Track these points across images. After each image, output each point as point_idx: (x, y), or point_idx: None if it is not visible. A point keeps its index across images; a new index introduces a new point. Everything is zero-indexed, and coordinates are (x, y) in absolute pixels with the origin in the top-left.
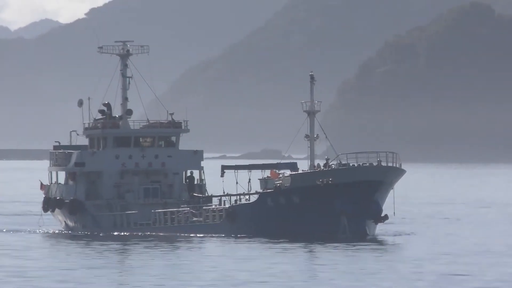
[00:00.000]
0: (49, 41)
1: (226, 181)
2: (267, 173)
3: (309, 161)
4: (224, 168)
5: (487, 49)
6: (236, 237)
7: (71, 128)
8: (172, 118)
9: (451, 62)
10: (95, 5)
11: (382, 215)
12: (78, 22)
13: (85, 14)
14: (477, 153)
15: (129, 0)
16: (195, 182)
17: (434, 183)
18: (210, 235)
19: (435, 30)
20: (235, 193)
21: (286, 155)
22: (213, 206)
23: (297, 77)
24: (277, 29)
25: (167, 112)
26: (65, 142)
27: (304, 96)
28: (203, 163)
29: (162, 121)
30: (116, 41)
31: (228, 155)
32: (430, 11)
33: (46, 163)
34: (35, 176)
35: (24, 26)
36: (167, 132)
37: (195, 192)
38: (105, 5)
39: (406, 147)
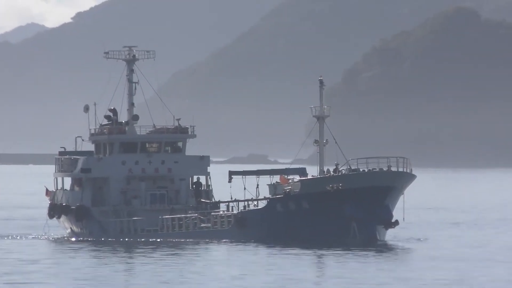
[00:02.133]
0: (35, 45)
1: (232, 187)
2: (275, 178)
3: (318, 166)
4: (231, 173)
5: (473, 54)
6: (245, 243)
7: (57, 132)
8: (178, 124)
9: (437, 66)
10: (81, 9)
11: (393, 220)
12: (65, 26)
13: (72, 18)
14: (463, 157)
15: (115, 5)
16: (202, 188)
17: (434, 187)
18: (218, 241)
19: (421, 35)
20: (243, 199)
21: (273, 159)
22: (221, 212)
23: (283, 82)
24: (263, 34)
25: (174, 117)
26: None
27: (291, 100)
28: (209, 169)
29: (169, 127)
30: (124, 46)
31: (214, 159)
32: (417, 16)
33: (45, 168)
34: (37, 181)
35: (10, 30)
36: (173, 138)
37: (202, 197)
38: (91, 9)
39: (392, 151)
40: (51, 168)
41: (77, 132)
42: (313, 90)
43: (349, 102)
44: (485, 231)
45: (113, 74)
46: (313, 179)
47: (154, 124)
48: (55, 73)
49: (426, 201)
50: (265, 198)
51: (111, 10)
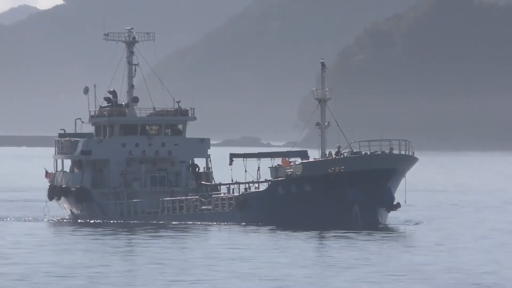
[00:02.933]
0: (27, 27)
1: (233, 169)
2: (276, 161)
3: (320, 149)
4: (232, 156)
5: (465, 36)
6: (246, 226)
7: (51, 114)
8: (179, 106)
9: (429, 49)
10: None
11: (395, 203)
12: (57, 8)
13: (64, 0)
14: (457, 141)
15: None
16: (198, 170)
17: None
18: (219, 223)
19: (413, 17)
20: (244, 181)
21: (265, 142)
22: (222, 194)
23: (275, 64)
24: (254, 17)
25: (174, 99)
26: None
27: (283, 83)
28: (209, 151)
29: (169, 109)
30: (126, 28)
31: None
32: None
33: (40, 150)
34: (36, 163)
35: (2, 12)
36: (174, 120)
37: (202, 180)
38: None
39: (383, 134)
40: (44, 151)
41: (71, 114)
42: (305, 72)
43: (341, 84)
44: (485, 213)
45: (107, 56)
46: (315, 162)
47: (154, 107)
48: (48, 54)
49: (426, 183)
50: (266, 181)
51: None
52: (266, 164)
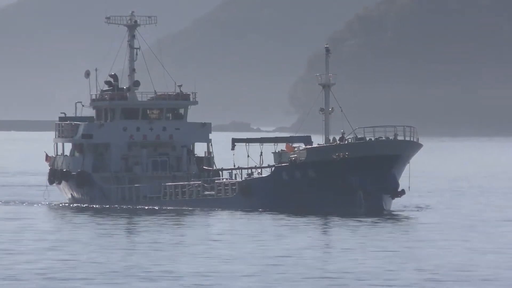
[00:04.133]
0: (21, 9)
1: (235, 155)
2: (279, 146)
3: (323, 135)
4: (234, 141)
5: (456, 23)
6: (249, 211)
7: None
8: (180, 90)
9: (420, 34)
10: None
11: (399, 189)
12: None
13: None
14: (447, 126)
15: None
16: (193, 156)
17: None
18: (222, 209)
19: (404, 3)
20: (247, 167)
21: (255, 127)
22: (223, 180)
23: (267, 50)
24: (246, 2)
25: (175, 83)
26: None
27: (273, 68)
28: (211, 136)
29: (170, 93)
30: (131, 12)
31: None
32: None
33: (36, 134)
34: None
35: None
36: (176, 104)
37: (203, 165)
38: None
39: (375, 121)
40: (33, 134)
41: (63, 99)
42: (296, 58)
43: (333, 69)
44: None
45: (103, 40)
46: (320, 148)
47: (155, 91)
48: (41, 37)
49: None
50: (269, 166)
51: None
52: (269, 149)
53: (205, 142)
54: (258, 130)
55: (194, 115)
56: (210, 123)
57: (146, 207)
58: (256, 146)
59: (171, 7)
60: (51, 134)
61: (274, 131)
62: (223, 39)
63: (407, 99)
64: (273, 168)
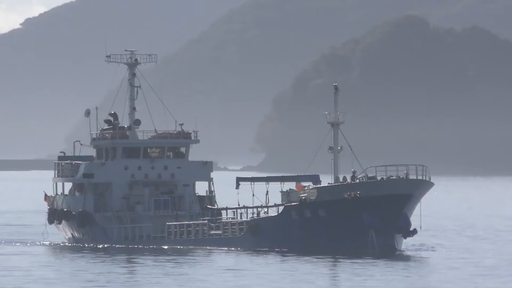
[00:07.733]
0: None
1: (236, 194)
2: (286, 185)
3: (332, 174)
4: (239, 180)
5: (421, 61)
6: (258, 251)
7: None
8: (181, 129)
9: (386, 74)
10: (30, 15)
11: (411, 229)
12: (14, 32)
13: (20, 24)
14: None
15: (62, 12)
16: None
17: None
18: (230, 248)
19: (370, 42)
20: (252, 206)
21: (222, 166)
22: (226, 219)
23: (232, 89)
24: (211, 41)
25: (176, 122)
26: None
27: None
28: (212, 175)
29: (171, 132)
30: (126, 50)
31: None
32: (366, 23)
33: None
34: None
35: None
36: (177, 143)
37: (205, 204)
38: (41, 15)
39: (341, 160)
40: (23, 174)
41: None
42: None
43: (298, 109)
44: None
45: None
46: (331, 187)
47: (155, 129)
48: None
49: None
50: (276, 205)
51: (58, 16)
52: (274, 188)
53: (206, 180)
54: (226, 169)
55: None
56: (212, 162)
57: (150, 247)
58: (258, 185)
59: (136, 47)
60: (36, 173)
61: (241, 170)
62: (189, 79)
63: (374, 136)
64: (282, 207)
